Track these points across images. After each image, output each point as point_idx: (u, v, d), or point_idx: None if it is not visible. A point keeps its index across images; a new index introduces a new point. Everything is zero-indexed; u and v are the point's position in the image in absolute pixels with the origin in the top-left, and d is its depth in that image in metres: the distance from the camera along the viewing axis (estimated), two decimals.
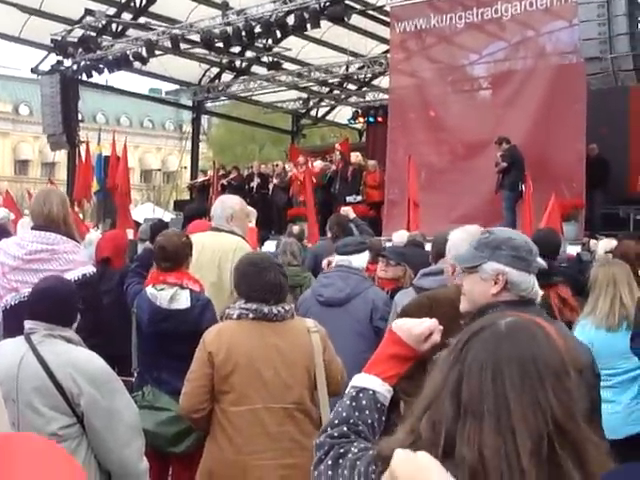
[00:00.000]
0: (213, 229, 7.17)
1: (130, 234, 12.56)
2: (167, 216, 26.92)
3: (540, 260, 3.49)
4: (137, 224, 17.46)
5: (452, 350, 2.14)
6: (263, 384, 4.82)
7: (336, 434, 2.61)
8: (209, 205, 11.61)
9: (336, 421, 2.65)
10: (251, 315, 4.88)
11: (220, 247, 6.81)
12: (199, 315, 5.90)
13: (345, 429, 2.61)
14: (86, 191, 24.37)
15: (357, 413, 2.64)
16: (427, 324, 2.85)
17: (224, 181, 25.20)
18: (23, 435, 0.94)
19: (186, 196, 32.32)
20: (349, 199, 20.21)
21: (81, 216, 22.19)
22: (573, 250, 13.64)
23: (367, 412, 2.64)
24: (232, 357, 4.82)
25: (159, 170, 66.00)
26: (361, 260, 7.17)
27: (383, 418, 2.66)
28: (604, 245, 9.97)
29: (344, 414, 2.65)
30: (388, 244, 11.10)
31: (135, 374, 5.99)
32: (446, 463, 1.92)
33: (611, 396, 6.43)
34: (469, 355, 2.08)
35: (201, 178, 28.24)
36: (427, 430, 2.05)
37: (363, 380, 2.73)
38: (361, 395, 2.67)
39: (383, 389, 2.69)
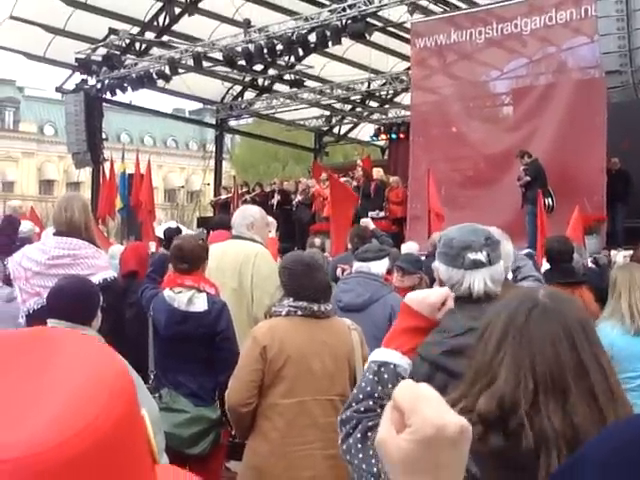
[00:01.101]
0: (234, 237, 7.25)
1: (152, 247, 12.60)
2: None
3: (474, 255, 3.47)
4: (160, 240, 17.54)
5: (502, 331, 2.20)
6: (312, 376, 4.96)
7: (362, 409, 2.65)
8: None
9: (360, 396, 2.69)
10: (300, 312, 5.02)
11: (241, 254, 6.89)
12: (215, 318, 5.96)
13: (371, 403, 2.64)
14: (110, 208, 24.49)
15: (380, 387, 2.67)
16: (441, 292, 2.88)
17: (248, 197, 25.24)
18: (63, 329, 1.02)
19: (209, 213, 32.42)
20: (372, 214, 20.17)
21: (105, 234, 22.27)
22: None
23: (390, 386, 2.63)
24: (285, 350, 4.95)
25: (182, 187, 66.25)
26: (381, 267, 7.22)
27: None
28: (624, 253, 9.98)
29: (368, 388, 2.68)
30: None
31: (152, 377, 6.04)
32: (514, 439, 2.00)
33: (631, 399, 6.40)
34: (533, 332, 2.16)
35: (224, 195, 28.28)
36: (490, 405, 2.08)
37: (383, 354, 2.75)
38: (382, 369, 2.69)
39: (403, 362, 2.71)
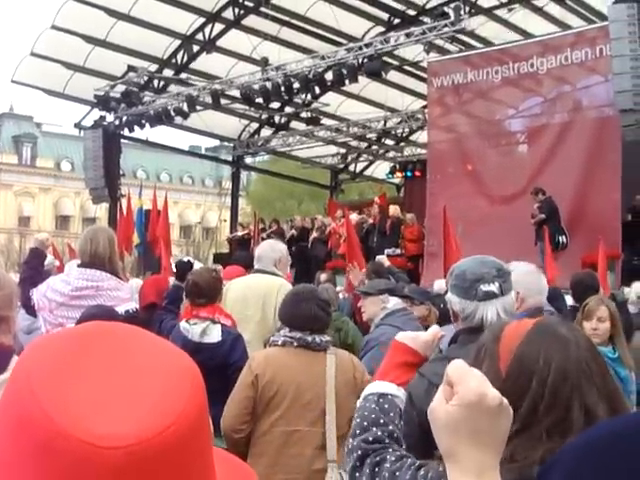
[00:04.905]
0: (256, 271, 7.35)
1: (172, 281, 12.74)
2: None
3: (486, 286, 3.44)
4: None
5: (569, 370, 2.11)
6: (304, 408, 5.00)
7: (370, 438, 2.61)
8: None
9: (365, 423, 2.67)
10: (295, 343, 5.07)
11: (265, 287, 6.98)
12: (229, 349, 6.08)
13: (379, 433, 2.62)
14: (127, 244, 24.46)
15: (383, 415, 2.68)
16: (434, 331, 3.04)
17: (264, 234, 25.33)
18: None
19: (225, 250, 32.51)
20: (388, 252, 20.21)
21: (122, 269, 22.25)
22: None
23: (392, 414, 2.69)
24: (276, 380, 5.02)
25: (198, 223, 66.47)
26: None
27: (402, 423, 2.77)
28: (636, 288, 9.98)
29: (373, 416, 2.68)
30: None
31: None
32: None
33: None
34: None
35: (240, 232, 28.41)
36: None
37: (381, 387, 2.80)
38: (382, 400, 2.73)
39: (400, 393, 2.78)
